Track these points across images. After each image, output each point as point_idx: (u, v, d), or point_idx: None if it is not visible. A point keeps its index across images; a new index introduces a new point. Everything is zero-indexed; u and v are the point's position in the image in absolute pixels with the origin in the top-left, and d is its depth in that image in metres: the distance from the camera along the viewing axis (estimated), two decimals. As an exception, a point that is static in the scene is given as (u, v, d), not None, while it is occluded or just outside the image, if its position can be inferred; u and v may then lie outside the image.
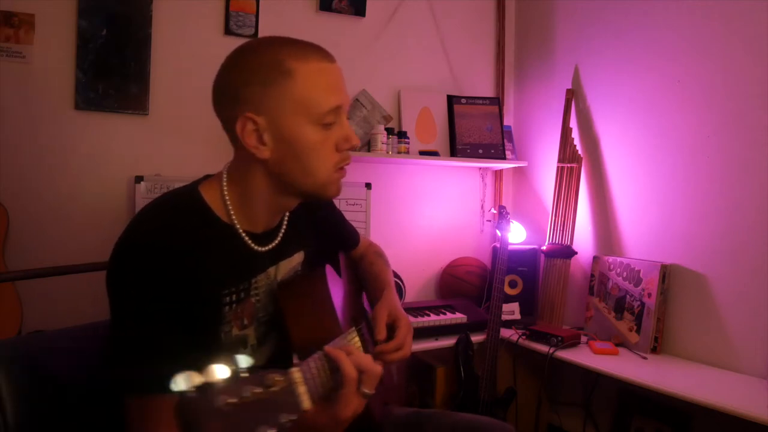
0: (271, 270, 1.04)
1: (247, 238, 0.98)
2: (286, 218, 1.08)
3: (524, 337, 2.23)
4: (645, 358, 2.02)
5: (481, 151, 2.60)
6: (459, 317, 2.29)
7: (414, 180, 2.64)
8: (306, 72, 0.91)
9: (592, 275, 2.33)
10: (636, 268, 2.15)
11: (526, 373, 2.38)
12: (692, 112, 2.06)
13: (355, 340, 1.06)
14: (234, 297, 0.96)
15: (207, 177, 1.02)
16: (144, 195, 1.99)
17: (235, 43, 0.99)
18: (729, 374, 1.88)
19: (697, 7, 2.04)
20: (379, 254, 1.38)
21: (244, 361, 0.63)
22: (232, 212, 0.97)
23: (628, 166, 2.29)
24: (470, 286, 2.54)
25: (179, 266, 0.88)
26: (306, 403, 0.69)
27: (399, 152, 2.41)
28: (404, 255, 2.54)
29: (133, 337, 0.86)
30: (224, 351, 0.96)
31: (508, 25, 2.84)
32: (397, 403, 1.33)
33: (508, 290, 2.45)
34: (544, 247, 2.48)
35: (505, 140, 2.67)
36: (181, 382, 0.58)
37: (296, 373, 0.70)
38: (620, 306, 2.18)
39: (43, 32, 1.94)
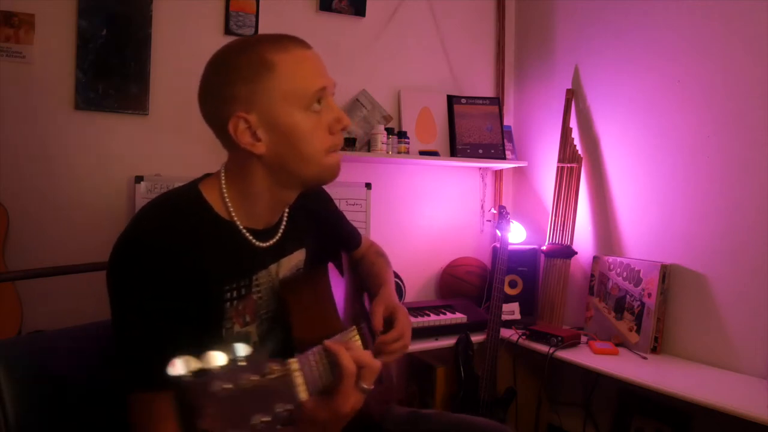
0: (273, 267, 1.04)
1: (247, 234, 0.99)
2: (285, 215, 1.09)
3: (524, 337, 2.23)
4: (645, 358, 2.02)
5: (481, 151, 2.60)
6: (459, 317, 2.29)
7: (414, 180, 2.64)
8: (287, 62, 0.92)
9: (592, 275, 2.33)
10: (636, 268, 2.15)
11: (526, 373, 2.38)
12: (692, 112, 2.06)
13: (356, 338, 1.06)
14: (235, 293, 0.97)
15: (207, 176, 1.03)
16: (144, 195, 1.99)
17: (235, 43, 0.99)
18: (729, 374, 1.88)
19: (697, 7, 2.04)
20: (380, 254, 1.38)
21: (242, 349, 0.64)
22: (231, 209, 0.97)
23: (628, 166, 2.30)
24: (470, 286, 2.54)
25: (180, 264, 0.88)
26: (303, 393, 0.69)
27: (399, 152, 2.41)
28: (404, 255, 2.54)
29: (136, 334, 0.86)
30: (226, 348, 0.96)
31: (508, 25, 2.84)
32: (397, 402, 1.33)
33: (508, 290, 2.45)
34: (544, 247, 2.48)
35: (505, 140, 2.67)
36: (179, 367, 0.59)
37: (294, 364, 0.70)
38: (620, 306, 2.19)
39: (43, 32, 1.94)
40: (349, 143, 2.34)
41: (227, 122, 0.92)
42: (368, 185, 2.45)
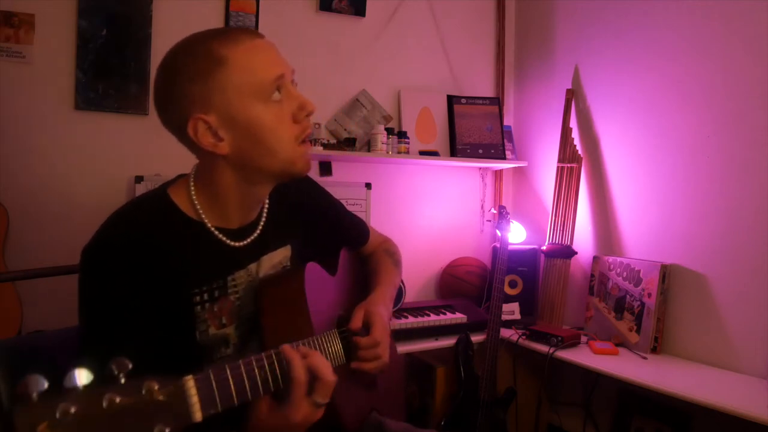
0: (252, 266, 1.01)
1: (218, 234, 0.96)
2: (265, 211, 1.05)
3: (524, 337, 2.23)
4: (645, 358, 2.02)
5: (481, 151, 2.60)
6: (459, 317, 2.29)
7: (414, 180, 2.64)
8: (238, 54, 0.89)
9: (592, 275, 2.33)
10: (636, 268, 2.15)
11: (526, 373, 2.37)
12: (692, 112, 2.06)
13: (335, 341, 1.01)
14: (206, 295, 0.94)
15: (180, 176, 1.01)
16: (144, 195, 1.99)
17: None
18: (729, 374, 1.88)
19: (697, 7, 2.04)
20: (390, 252, 1.33)
21: (124, 366, 0.60)
22: (200, 210, 0.95)
23: (628, 166, 2.29)
24: (470, 286, 2.54)
25: (146, 266, 0.87)
26: (197, 413, 0.65)
27: (399, 152, 2.41)
28: (404, 255, 2.48)
29: (100, 339, 0.85)
30: (204, 350, 0.95)
31: (508, 25, 2.84)
32: (394, 409, 1.24)
33: (508, 290, 2.45)
34: (544, 247, 2.47)
35: (505, 140, 2.67)
36: (33, 384, 0.55)
37: (189, 382, 0.66)
38: (620, 306, 2.18)
39: (43, 32, 1.94)
40: (349, 143, 2.34)
41: (186, 126, 0.90)
42: (368, 185, 2.45)
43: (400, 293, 2.23)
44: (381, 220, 2.51)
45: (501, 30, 2.82)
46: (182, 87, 0.89)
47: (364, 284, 1.27)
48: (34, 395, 0.55)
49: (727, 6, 1.94)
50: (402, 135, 2.43)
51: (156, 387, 0.62)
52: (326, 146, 2.29)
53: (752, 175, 1.87)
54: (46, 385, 0.56)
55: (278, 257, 1.07)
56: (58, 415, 0.55)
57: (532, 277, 2.50)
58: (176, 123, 0.92)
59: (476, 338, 2.27)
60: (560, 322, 2.38)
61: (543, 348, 2.12)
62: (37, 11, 1.93)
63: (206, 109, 0.89)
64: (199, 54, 0.88)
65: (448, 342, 2.22)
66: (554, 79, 2.63)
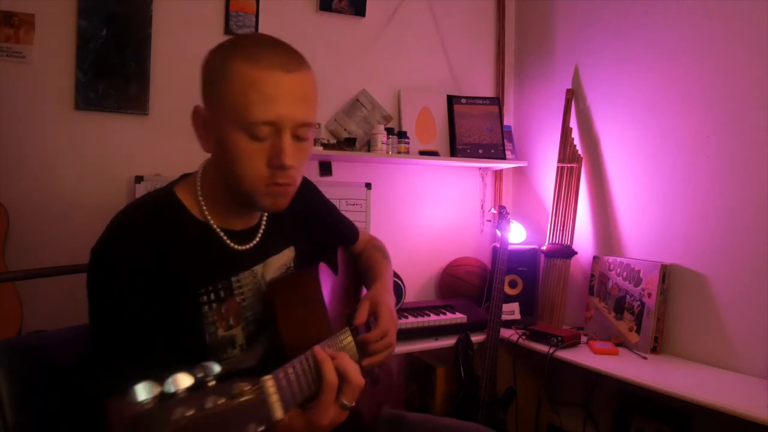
0: (258, 268, 1.02)
1: (223, 236, 0.97)
2: (265, 215, 1.06)
3: (524, 337, 2.23)
4: (645, 358, 2.02)
5: (481, 151, 2.60)
6: (459, 317, 2.29)
7: (414, 180, 2.64)
8: (245, 78, 0.86)
9: (592, 275, 2.33)
10: (636, 268, 2.15)
11: (526, 373, 2.37)
12: (692, 112, 2.06)
13: (348, 339, 1.04)
14: (212, 296, 0.95)
15: (185, 176, 1.02)
16: (144, 195, 1.99)
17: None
18: (729, 374, 1.88)
19: (697, 7, 2.04)
20: (379, 248, 1.35)
21: (214, 368, 0.62)
22: (206, 210, 0.96)
23: (628, 166, 2.29)
24: (470, 286, 2.54)
25: (153, 265, 0.88)
26: (278, 412, 0.68)
27: (399, 152, 2.41)
28: (404, 255, 2.54)
29: (113, 339, 0.85)
30: (212, 352, 0.95)
31: (508, 25, 2.84)
32: (396, 402, 1.30)
33: (508, 290, 2.45)
34: (544, 247, 2.48)
35: (505, 140, 2.67)
36: (140, 392, 0.57)
37: (268, 382, 0.69)
38: (620, 306, 2.18)
39: (43, 32, 1.94)
40: (349, 143, 2.34)
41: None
42: (368, 185, 2.45)
43: (400, 293, 2.23)
44: (381, 220, 2.51)
45: (501, 30, 2.82)
46: (202, 77, 0.94)
47: (358, 281, 1.30)
48: (150, 402, 0.57)
49: (727, 6, 1.94)
50: (402, 135, 2.43)
51: (247, 387, 0.64)
52: (326, 146, 2.29)
53: (752, 175, 1.87)
54: (159, 390, 0.58)
55: (283, 259, 1.08)
56: (175, 419, 0.57)
57: (532, 277, 2.50)
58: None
59: (476, 338, 2.27)
60: (560, 322, 2.38)
61: (543, 348, 2.12)
62: (37, 11, 1.93)
63: (205, 104, 0.94)
64: (219, 57, 0.91)
65: (448, 342, 2.22)
66: (554, 79, 2.63)
